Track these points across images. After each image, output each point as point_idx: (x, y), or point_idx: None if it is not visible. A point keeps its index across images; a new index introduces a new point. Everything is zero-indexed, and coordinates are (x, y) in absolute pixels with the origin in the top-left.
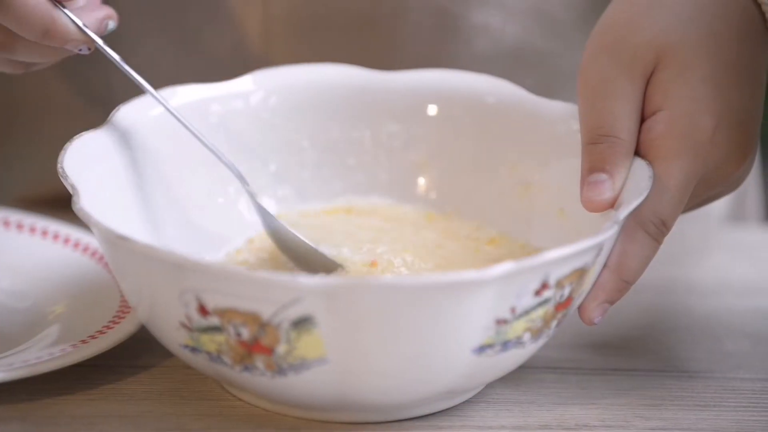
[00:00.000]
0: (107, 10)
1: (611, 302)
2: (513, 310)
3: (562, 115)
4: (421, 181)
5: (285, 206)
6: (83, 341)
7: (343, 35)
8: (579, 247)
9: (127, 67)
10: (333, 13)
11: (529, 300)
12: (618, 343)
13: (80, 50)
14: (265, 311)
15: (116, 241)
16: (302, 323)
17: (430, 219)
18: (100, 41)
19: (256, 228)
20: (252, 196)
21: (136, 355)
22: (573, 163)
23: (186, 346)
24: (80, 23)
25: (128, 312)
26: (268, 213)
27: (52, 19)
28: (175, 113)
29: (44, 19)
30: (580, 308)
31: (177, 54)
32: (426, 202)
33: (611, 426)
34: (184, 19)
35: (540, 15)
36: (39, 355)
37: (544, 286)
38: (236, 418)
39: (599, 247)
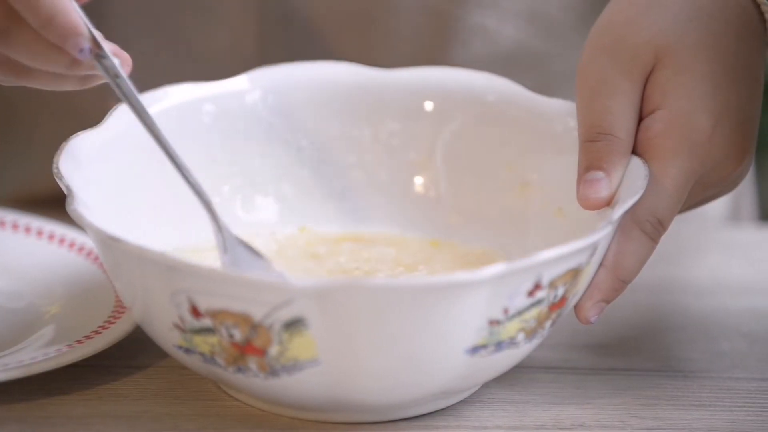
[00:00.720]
0: (124, 54)
1: (607, 301)
2: (506, 310)
3: (561, 112)
4: (420, 179)
5: (285, 205)
6: (78, 341)
7: (339, 35)
8: (571, 248)
9: (127, 83)
10: (329, 13)
11: (522, 301)
12: (614, 343)
13: (81, 51)
14: (257, 313)
15: (108, 242)
16: (294, 325)
17: (435, 245)
18: (106, 47)
19: (257, 228)
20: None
21: (131, 355)
22: (571, 162)
23: (180, 347)
24: (88, 22)
25: (123, 312)
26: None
27: (61, 6)
28: (161, 135)
29: (54, 4)
30: (576, 307)
31: (172, 54)
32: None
33: (607, 426)
34: (179, 19)
35: (537, 16)
36: (34, 356)
37: (537, 286)
38: (232, 418)
39: (593, 248)
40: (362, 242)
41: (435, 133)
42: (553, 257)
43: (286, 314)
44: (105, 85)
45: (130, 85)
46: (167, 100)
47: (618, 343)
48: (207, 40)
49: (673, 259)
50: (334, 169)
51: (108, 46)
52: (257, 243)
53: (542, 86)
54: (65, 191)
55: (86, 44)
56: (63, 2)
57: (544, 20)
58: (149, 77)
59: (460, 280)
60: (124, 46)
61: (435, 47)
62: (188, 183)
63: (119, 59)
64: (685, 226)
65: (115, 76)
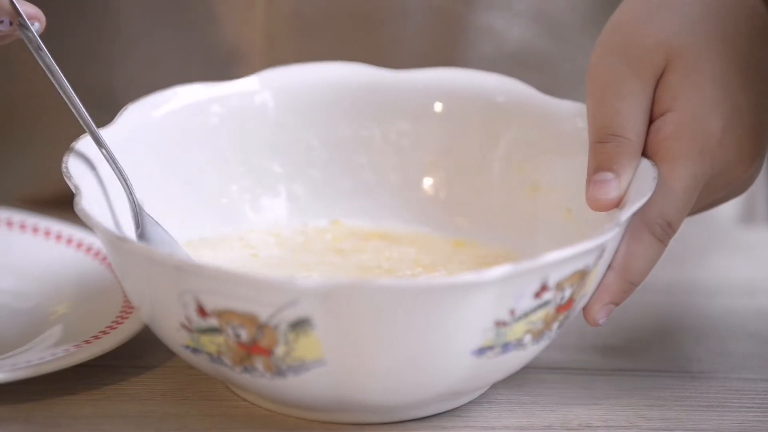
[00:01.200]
0: (33, 9)
1: (616, 303)
2: (512, 312)
3: (570, 114)
4: (430, 180)
5: (295, 205)
6: (86, 341)
7: (347, 36)
8: (578, 249)
9: (46, 55)
10: (336, 13)
11: (528, 302)
12: (621, 344)
13: (0, 22)
14: (263, 313)
15: (116, 242)
16: (300, 325)
17: (458, 245)
18: (25, 18)
19: (264, 227)
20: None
21: (139, 355)
22: (581, 163)
23: (187, 347)
24: None
25: (131, 312)
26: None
27: None
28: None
29: None
30: (584, 309)
31: (179, 53)
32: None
33: (614, 426)
34: (187, 19)
35: (545, 18)
36: (42, 356)
37: (544, 288)
38: (240, 418)
39: (600, 249)
40: (388, 240)
41: (444, 133)
42: (560, 259)
43: (291, 314)
44: (112, 85)
45: (51, 58)
46: (177, 100)
47: (625, 344)
48: (215, 41)
49: (682, 260)
50: (343, 169)
51: (25, 8)
52: (285, 234)
53: (550, 87)
54: (73, 191)
55: (5, 17)
56: None
57: (551, 21)
58: (158, 76)
59: (465, 282)
60: (131, 45)
61: (443, 48)
62: (113, 166)
63: (40, 22)
64: (694, 228)
65: (38, 48)
